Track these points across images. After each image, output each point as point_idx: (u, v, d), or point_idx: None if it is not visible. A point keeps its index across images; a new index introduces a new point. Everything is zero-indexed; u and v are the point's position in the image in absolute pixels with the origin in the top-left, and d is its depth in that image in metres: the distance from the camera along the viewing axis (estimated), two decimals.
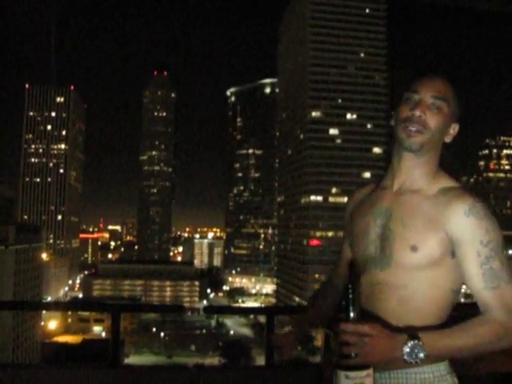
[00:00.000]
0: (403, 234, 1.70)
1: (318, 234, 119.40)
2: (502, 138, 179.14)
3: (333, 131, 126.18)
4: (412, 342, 1.49)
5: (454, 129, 1.81)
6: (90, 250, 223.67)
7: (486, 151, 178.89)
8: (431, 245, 1.66)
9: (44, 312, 76.64)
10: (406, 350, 1.49)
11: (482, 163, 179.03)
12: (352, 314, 1.48)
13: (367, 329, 1.48)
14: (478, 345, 1.56)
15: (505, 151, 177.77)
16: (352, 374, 1.50)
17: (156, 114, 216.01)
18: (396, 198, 1.80)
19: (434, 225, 1.68)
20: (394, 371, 1.66)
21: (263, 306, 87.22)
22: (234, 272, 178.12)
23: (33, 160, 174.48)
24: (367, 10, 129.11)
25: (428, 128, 1.72)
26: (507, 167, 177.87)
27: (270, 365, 3.74)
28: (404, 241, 1.69)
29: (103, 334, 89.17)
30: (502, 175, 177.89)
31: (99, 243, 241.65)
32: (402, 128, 1.74)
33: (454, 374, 1.71)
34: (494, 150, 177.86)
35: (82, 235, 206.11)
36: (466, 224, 1.64)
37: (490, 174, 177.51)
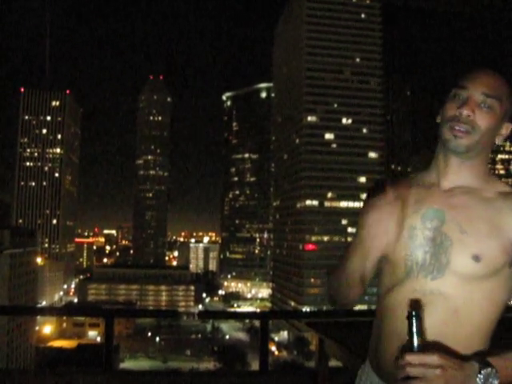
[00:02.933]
0: (463, 241, 1.51)
1: (314, 238, 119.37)
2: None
3: (328, 136, 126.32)
4: (485, 371, 1.31)
5: (507, 129, 1.61)
6: (85, 254, 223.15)
7: None
8: (495, 254, 1.49)
9: (39, 317, 76.41)
10: (481, 380, 1.30)
11: None
12: (416, 344, 1.30)
13: (438, 359, 1.27)
14: None
15: (499, 156, 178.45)
16: None
17: (152, 118, 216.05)
18: (447, 198, 1.60)
19: (497, 232, 1.50)
20: None
21: (258, 310, 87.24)
22: (229, 276, 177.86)
23: (28, 164, 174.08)
24: (363, 15, 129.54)
25: (477, 129, 1.53)
26: (502, 172, 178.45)
27: (265, 370, 3.73)
28: (465, 249, 1.50)
29: (98, 339, 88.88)
30: None
31: (94, 247, 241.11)
32: (448, 128, 1.56)
33: None
34: (489, 155, 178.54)
35: (77, 239, 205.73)
36: None
37: None
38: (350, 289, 1.77)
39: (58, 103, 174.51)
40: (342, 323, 4.10)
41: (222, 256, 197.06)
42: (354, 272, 1.74)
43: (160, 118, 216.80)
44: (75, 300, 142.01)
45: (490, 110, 1.53)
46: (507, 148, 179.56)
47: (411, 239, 1.59)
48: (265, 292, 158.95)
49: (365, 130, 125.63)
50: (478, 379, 1.30)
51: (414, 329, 1.31)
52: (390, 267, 1.64)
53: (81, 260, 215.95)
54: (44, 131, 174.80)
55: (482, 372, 1.31)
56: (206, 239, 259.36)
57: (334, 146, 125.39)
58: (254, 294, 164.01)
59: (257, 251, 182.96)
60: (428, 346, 1.33)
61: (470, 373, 1.31)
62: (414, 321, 1.31)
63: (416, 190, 1.67)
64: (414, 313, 1.32)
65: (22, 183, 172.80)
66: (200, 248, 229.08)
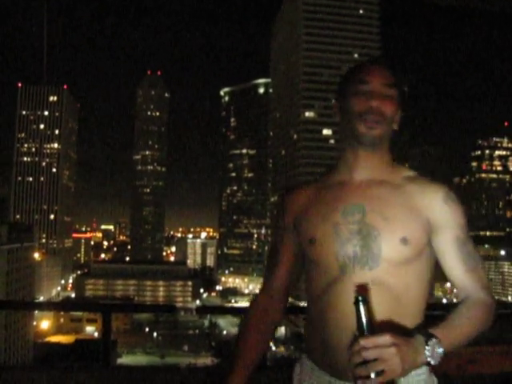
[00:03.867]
0: (389, 228, 1.58)
1: None
2: (494, 138, 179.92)
3: (326, 131, 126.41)
4: (431, 342, 1.38)
5: (399, 115, 1.71)
6: (82, 249, 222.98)
7: (479, 152, 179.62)
8: (419, 235, 1.58)
9: (36, 312, 76.38)
10: (429, 351, 1.37)
11: (474, 164, 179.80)
12: (366, 328, 1.32)
13: (390, 338, 1.30)
14: (476, 328, 1.52)
15: (497, 152, 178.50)
16: None
17: (149, 113, 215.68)
18: (362, 191, 1.66)
19: (416, 214, 1.60)
20: None
21: None
22: (227, 272, 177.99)
23: (25, 159, 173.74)
24: (361, 11, 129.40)
25: (386, 118, 1.63)
26: (499, 168, 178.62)
27: (263, 365, 3.71)
28: (392, 234, 1.57)
29: (96, 334, 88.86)
30: (494, 176, 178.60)
31: (92, 243, 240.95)
32: (361, 121, 1.61)
33: (433, 376, 1.65)
34: (487, 151, 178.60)
35: (74, 235, 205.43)
36: (446, 210, 1.61)
37: (483, 175, 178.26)
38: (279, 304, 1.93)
39: (55, 98, 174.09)
40: None
41: (219, 251, 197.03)
42: (283, 281, 1.88)
43: (158, 114, 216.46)
44: (73, 295, 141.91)
45: (391, 98, 1.63)
46: (504, 144, 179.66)
47: (337, 236, 1.61)
48: None
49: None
50: (426, 351, 1.36)
51: (362, 313, 1.32)
52: (320, 268, 1.65)
53: (78, 255, 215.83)
54: (41, 126, 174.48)
55: (429, 343, 1.37)
56: (203, 235, 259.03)
57: (332, 141, 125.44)
58: (252, 290, 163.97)
59: (254, 247, 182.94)
60: (378, 328, 1.36)
61: (418, 346, 1.36)
62: (361, 305, 1.32)
63: (330, 189, 1.72)
64: (360, 298, 1.32)
65: (20, 178, 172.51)
66: (198, 243, 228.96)
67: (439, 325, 1.46)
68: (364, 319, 1.32)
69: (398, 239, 1.56)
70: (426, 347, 1.37)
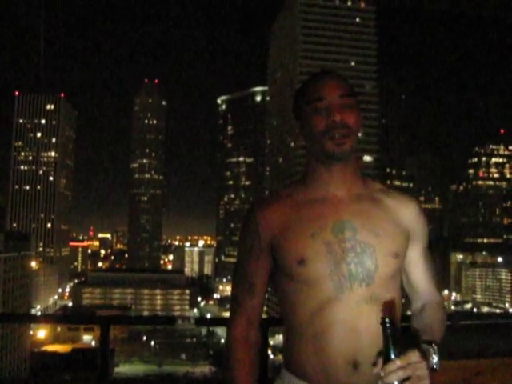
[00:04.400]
0: (382, 244, 1.57)
1: None
2: (490, 146, 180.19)
3: None
4: (435, 349, 1.44)
5: (361, 118, 1.68)
6: (79, 258, 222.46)
7: (475, 159, 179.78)
8: (404, 247, 1.63)
9: None
10: (434, 358, 1.42)
11: (471, 171, 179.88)
12: (397, 348, 1.30)
13: (420, 353, 1.32)
14: (444, 328, 1.62)
15: (494, 159, 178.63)
16: None
17: (147, 121, 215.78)
18: (345, 207, 1.61)
19: (399, 227, 1.62)
20: None
21: None
22: (224, 280, 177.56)
23: (22, 167, 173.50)
24: (357, 19, 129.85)
25: (352, 129, 1.58)
26: (496, 175, 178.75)
27: (265, 378, 3.66)
28: (386, 250, 1.57)
29: (93, 343, 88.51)
30: (491, 183, 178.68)
31: (89, 251, 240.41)
32: (328, 139, 1.56)
33: None
34: (483, 158, 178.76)
35: (71, 243, 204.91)
36: (419, 221, 1.68)
37: (480, 182, 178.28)
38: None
39: (52, 107, 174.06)
40: None
41: (217, 260, 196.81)
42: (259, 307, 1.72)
43: (155, 122, 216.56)
44: (70, 304, 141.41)
45: (351, 108, 1.58)
46: (501, 151, 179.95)
47: (331, 255, 1.55)
48: None
49: (360, 134, 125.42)
50: (433, 359, 1.41)
51: (390, 333, 1.29)
52: (312, 288, 1.56)
53: (75, 264, 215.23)
54: (38, 135, 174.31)
55: (435, 350, 1.43)
56: (201, 243, 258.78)
57: None
58: None
59: None
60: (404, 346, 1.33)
61: (428, 355, 1.40)
62: (387, 325, 1.30)
63: (310, 206, 1.64)
64: (387, 319, 1.30)
65: (17, 187, 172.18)
66: (195, 252, 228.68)
67: (427, 331, 1.52)
68: (392, 339, 1.29)
69: (391, 254, 1.57)
70: (433, 355, 1.41)
